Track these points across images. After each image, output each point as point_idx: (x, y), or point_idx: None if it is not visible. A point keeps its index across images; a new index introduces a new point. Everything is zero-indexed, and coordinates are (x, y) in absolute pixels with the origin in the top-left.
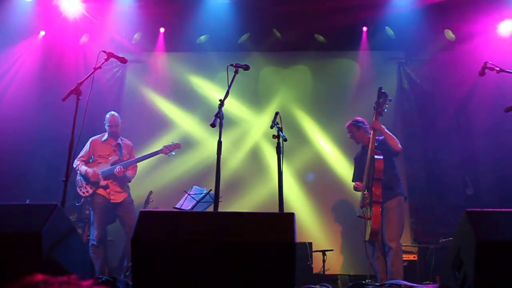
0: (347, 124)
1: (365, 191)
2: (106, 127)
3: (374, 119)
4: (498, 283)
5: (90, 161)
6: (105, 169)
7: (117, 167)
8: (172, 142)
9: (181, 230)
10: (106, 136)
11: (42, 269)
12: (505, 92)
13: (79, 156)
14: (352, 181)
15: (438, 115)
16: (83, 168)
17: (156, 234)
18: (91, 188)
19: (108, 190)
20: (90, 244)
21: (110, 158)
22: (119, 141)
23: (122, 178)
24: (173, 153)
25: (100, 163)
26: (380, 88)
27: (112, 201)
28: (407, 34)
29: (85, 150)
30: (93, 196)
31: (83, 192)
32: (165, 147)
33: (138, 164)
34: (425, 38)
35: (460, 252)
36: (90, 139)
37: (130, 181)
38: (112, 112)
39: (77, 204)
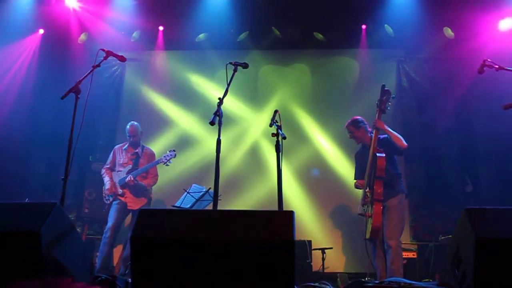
0: (346, 124)
1: (366, 189)
2: (127, 137)
3: (377, 118)
4: (497, 281)
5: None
6: (121, 178)
7: (128, 177)
8: (169, 151)
9: (180, 228)
10: (126, 145)
11: (41, 268)
12: (504, 89)
13: (105, 165)
14: (354, 179)
15: (437, 113)
16: (104, 179)
17: (156, 232)
18: (111, 197)
19: (125, 198)
20: (103, 236)
21: (127, 166)
22: (138, 150)
23: (136, 186)
24: (171, 162)
25: (119, 171)
26: (383, 86)
27: (129, 207)
28: (406, 32)
29: (109, 158)
30: (113, 201)
31: (106, 200)
32: (164, 156)
33: None
34: (424, 36)
35: (459, 249)
36: (114, 147)
37: (147, 189)
38: (132, 122)
39: (103, 211)
